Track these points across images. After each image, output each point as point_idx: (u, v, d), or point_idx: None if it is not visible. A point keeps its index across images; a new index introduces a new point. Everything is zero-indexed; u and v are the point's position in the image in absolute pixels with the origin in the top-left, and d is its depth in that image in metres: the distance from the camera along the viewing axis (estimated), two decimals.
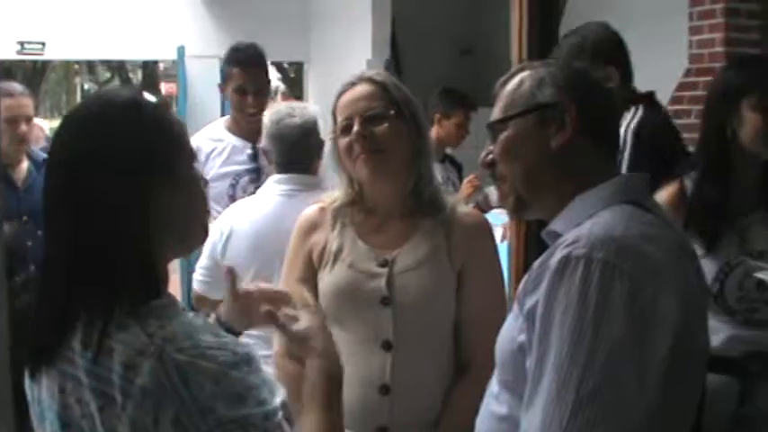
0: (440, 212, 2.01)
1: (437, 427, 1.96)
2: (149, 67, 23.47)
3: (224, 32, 8.42)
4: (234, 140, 3.63)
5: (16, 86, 3.49)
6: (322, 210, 2.09)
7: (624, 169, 2.54)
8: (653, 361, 1.24)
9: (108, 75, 28.33)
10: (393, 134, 1.97)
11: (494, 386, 1.47)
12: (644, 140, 2.57)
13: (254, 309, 1.54)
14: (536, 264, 1.36)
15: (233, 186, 3.58)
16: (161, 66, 21.13)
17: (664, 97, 4.93)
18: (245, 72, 3.57)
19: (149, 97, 1.34)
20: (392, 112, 1.98)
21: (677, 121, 4.65)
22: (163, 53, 8.48)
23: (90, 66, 25.58)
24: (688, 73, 5.09)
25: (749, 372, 2.20)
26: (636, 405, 1.23)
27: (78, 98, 27.06)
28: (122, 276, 1.22)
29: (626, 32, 2.86)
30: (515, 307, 1.40)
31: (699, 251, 2.24)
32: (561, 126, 1.45)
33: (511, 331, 1.41)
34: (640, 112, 2.73)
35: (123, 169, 1.23)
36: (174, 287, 4.72)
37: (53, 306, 1.26)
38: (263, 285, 1.61)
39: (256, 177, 3.58)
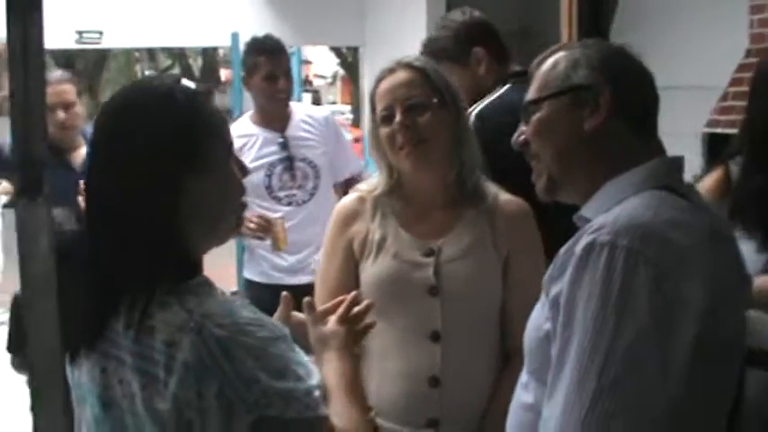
0: (483, 202, 1.98)
1: (485, 417, 1.94)
2: (209, 54, 23.73)
3: (280, 19, 8.45)
4: (263, 132, 3.68)
5: (53, 74, 3.53)
6: (361, 199, 2.05)
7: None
8: (677, 350, 1.22)
9: (169, 62, 28.72)
10: (436, 124, 1.93)
11: (523, 375, 1.46)
12: (487, 122, 2.39)
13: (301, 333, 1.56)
14: (562, 250, 1.35)
15: (268, 177, 3.64)
16: (221, 52, 21.37)
17: (724, 79, 4.81)
18: (273, 58, 3.61)
19: (189, 85, 1.35)
20: (435, 100, 1.94)
21: (736, 104, 4.54)
22: (218, 40, 8.54)
23: (150, 53, 25.96)
24: (748, 54, 4.93)
25: None
26: (658, 395, 1.21)
27: None
28: (160, 258, 1.25)
29: (685, 12, 2.77)
30: (542, 294, 1.39)
31: (748, 244, 2.18)
32: (595, 108, 1.43)
33: (538, 319, 1.40)
34: (499, 92, 2.56)
35: (157, 155, 1.26)
36: (230, 273, 4.77)
37: (94, 288, 1.29)
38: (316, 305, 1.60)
39: (290, 165, 3.64)
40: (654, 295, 1.22)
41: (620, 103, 1.42)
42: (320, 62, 25.99)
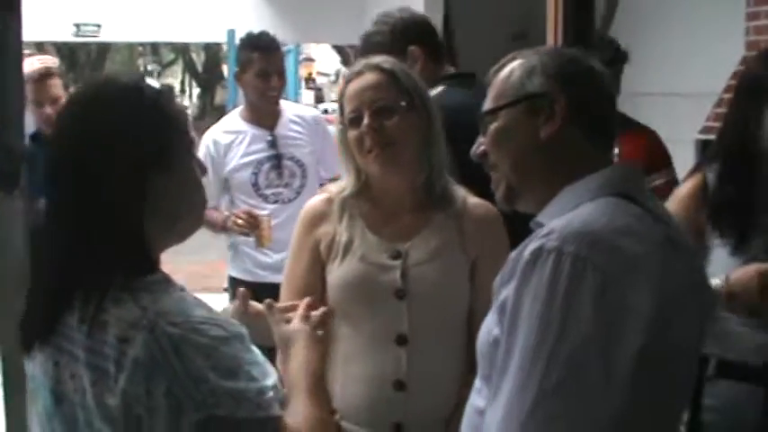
0: (451, 205, 1.97)
1: (450, 422, 1.91)
2: (212, 49, 23.74)
3: (278, 16, 8.46)
4: (252, 129, 3.67)
5: (35, 64, 3.52)
6: (329, 200, 2.02)
7: None
8: (621, 358, 1.21)
9: (172, 56, 28.76)
10: (404, 127, 1.91)
11: (477, 380, 1.45)
12: None
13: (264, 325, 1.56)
14: (512, 255, 1.34)
15: (255, 175, 3.63)
16: (224, 47, 21.39)
17: (719, 85, 4.78)
18: (267, 56, 3.60)
19: (153, 84, 1.35)
20: (403, 103, 1.92)
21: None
22: (215, 36, 8.55)
23: (154, 47, 25.99)
24: (744, 61, 4.92)
25: None
26: (602, 401, 1.20)
27: None
28: (119, 253, 1.25)
29: (681, 18, 2.75)
30: (494, 299, 1.38)
31: (723, 248, 2.16)
32: (551, 116, 1.41)
33: (488, 324, 1.39)
34: (432, 93, 2.45)
35: (120, 152, 1.25)
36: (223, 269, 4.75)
37: (49, 281, 1.29)
38: (276, 305, 1.62)
39: (277, 164, 3.63)
40: (599, 301, 1.22)
41: (575, 111, 1.41)
42: (323, 60, 26.01)
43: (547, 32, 2.89)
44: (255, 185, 3.63)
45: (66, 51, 25.23)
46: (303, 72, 20.25)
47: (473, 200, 1.99)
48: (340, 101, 1.99)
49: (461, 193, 2.00)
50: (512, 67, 1.48)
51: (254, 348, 1.27)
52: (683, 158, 3.59)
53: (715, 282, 2.08)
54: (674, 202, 2.36)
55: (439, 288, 1.92)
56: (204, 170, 1.38)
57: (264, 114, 3.69)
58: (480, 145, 1.50)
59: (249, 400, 1.20)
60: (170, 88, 1.43)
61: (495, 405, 1.26)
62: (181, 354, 1.18)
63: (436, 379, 1.92)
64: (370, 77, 1.94)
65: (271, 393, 1.24)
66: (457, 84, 2.60)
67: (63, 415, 1.28)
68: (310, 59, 24.00)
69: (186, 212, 1.35)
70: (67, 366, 1.26)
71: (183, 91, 33.27)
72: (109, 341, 1.20)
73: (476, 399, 1.43)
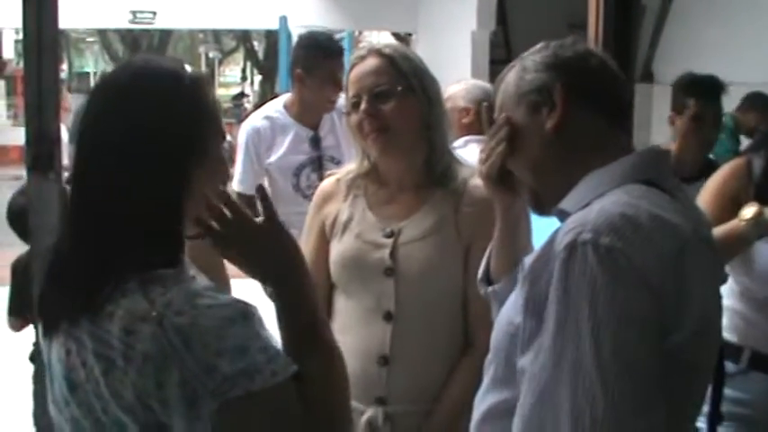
0: (451, 185, 1.99)
1: (435, 401, 1.95)
2: (273, 37, 23.89)
3: (332, 3, 8.46)
4: (295, 126, 3.64)
5: None
6: (337, 181, 2.10)
7: None
8: (656, 345, 1.20)
9: (233, 44, 29.02)
10: (400, 111, 1.95)
11: (486, 377, 1.44)
12: None
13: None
14: (541, 246, 1.31)
15: (296, 176, 3.62)
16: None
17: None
18: (337, 62, 3.56)
19: (192, 70, 1.33)
20: (399, 88, 1.95)
21: None
22: (266, 22, 8.60)
23: (216, 35, 26.24)
24: None
25: None
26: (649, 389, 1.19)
27: (203, 66, 27.88)
28: (142, 245, 1.24)
29: (732, 19, 2.71)
30: (518, 288, 1.35)
31: None
32: (552, 107, 1.39)
33: (507, 314, 1.37)
34: None
35: (162, 139, 1.25)
36: None
37: (67, 268, 1.28)
38: None
39: (318, 165, 3.61)
40: (642, 290, 1.20)
41: (576, 94, 1.38)
42: None
43: (588, 27, 2.83)
44: (296, 186, 3.63)
45: (129, 39, 25.66)
46: None
47: (475, 181, 1.98)
48: (345, 86, 2.05)
49: (466, 173, 2.02)
50: (507, 76, 1.47)
51: (263, 323, 1.26)
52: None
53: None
54: (714, 181, 2.36)
55: (427, 267, 1.95)
56: (230, 159, 1.37)
57: (313, 113, 3.65)
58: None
59: (261, 372, 1.20)
60: (206, 75, 1.41)
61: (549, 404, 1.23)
62: (191, 343, 1.17)
63: (422, 356, 1.95)
64: (370, 62, 1.99)
65: (283, 357, 1.23)
66: None
67: (78, 401, 1.27)
68: None
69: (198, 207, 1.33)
70: (79, 354, 1.25)
71: (244, 78, 33.57)
72: (115, 332, 1.20)
73: (489, 383, 1.42)
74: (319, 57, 3.56)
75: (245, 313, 1.23)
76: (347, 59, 4.04)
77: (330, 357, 1.32)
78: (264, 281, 1.36)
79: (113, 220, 1.24)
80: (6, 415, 4.55)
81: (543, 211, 1.47)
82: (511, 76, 1.46)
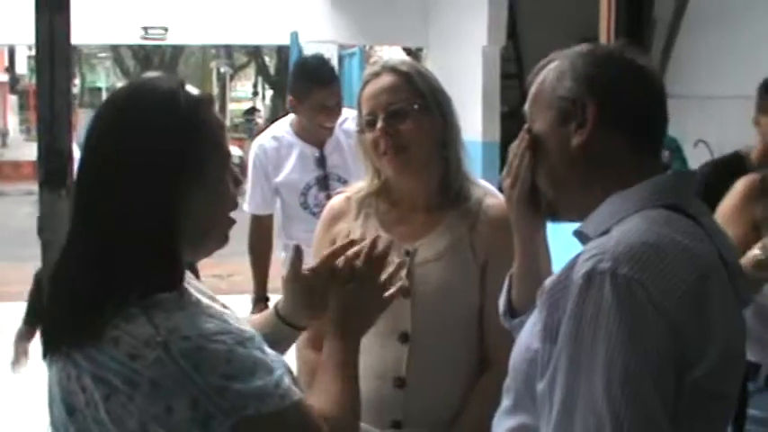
0: (466, 204, 1.96)
1: (453, 424, 1.92)
2: (284, 52, 23.96)
3: (341, 18, 8.48)
4: (301, 144, 3.67)
5: None
6: (347, 199, 2.06)
7: None
8: (674, 377, 1.18)
9: (244, 59, 29.12)
10: (418, 130, 1.92)
11: (505, 399, 1.41)
12: None
13: (318, 292, 1.54)
14: (561, 270, 1.28)
15: (304, 195, 3.65)
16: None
17: None
18: (327, 89, 3.57)
19: (192, 90, 1.31)
20: (415, 106, 1.92)
21: None
22: (278, 38, 8.61)
23: (227, 50, 26.34)
24: None
25: None
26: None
27: (214, 82, 28.01)
28: (145, 267, 1.23)
29: (745, 32, 2.69)
30: (536, 312, 1.32)
31: None
32: (582, 123, 1.34)
33: (526, 339, 1.34)
34: None
35: (153, 164, 1.24)
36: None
37: (66, 291, 1.27)
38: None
39: (325, 184, 3.63)
40: (658, 324, 1.17)
41: (610, 115, 1.33)
42: None
43: (599, 33, 2.84)
44: (304, 204, 3.65)
45: (141, 55, 25.80)
46: None
47: (490, 200, 1.98)
48: (358, 102, 2.00)
49: (480, 192, 1.99)
50: (544, 74, 1.42)
51: (265, 346, 1.28)
52: None
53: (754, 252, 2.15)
54: (729, 206, 2.34)
55: (444, 287, 1.92)
56: (239, 182, 1.35)
57: (316, 134, 3.67)
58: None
59: (271, 395, 1.21)
60: (209, 96, 1.36)
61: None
62: (200, 368, 1.17)
63: (438, 378, 1.92)
64: (385, 79, 1.95)
65: (286, 380, 1.25)
66: None
67: (77, 427, 1.25)
68: None
69: (216, 228, 1.33)
70: (77, 379, 1.23)
71: (255, 93, 33.69)
72: (119, 358, 1.19)
73: (507, 407, 1.40)
74: (309, 86, 3.56)
75: (251, 338, 1.25)
76: (356, 76, 4.04)
77: (352, 409, 1.43)
78: (339, 328, 1.49)
79: (108, 240, 1.23)
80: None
81: (554, 218, 1.45)
82: (552, 72, 1.40)
